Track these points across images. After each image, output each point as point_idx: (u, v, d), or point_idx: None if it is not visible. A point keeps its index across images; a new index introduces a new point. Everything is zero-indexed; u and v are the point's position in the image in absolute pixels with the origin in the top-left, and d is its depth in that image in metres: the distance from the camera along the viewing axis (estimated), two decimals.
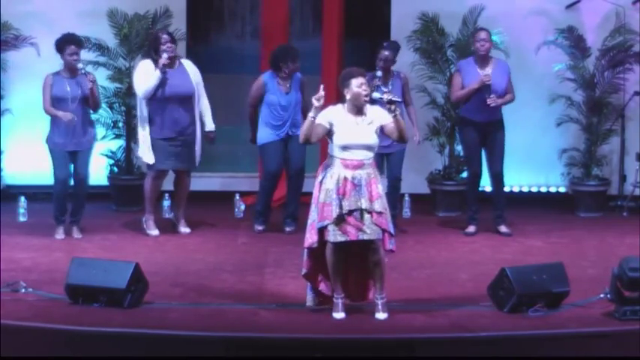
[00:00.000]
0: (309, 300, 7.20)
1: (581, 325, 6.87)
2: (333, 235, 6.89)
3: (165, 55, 9.21)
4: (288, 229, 9.60)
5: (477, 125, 9.45)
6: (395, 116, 6.91)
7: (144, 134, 9.35)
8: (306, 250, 7.06)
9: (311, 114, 6.89)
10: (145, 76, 9.24)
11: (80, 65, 9.09)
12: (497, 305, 7.19)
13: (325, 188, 6.93)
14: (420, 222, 10.19)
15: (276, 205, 10.26)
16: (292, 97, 9.40)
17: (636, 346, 6.62)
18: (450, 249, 9.14)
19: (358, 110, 6.97)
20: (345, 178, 6.90)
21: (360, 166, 6.92)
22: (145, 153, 9.40)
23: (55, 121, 9.14)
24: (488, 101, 9.22)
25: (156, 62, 9.22)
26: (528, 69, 10.16)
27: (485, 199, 9.87)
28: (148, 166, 9.52)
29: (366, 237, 6.90)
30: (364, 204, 6.86)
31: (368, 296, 7.20)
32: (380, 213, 6.90)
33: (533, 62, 10.57)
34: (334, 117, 6.97)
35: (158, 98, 9.25)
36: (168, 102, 9.27)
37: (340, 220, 6.87)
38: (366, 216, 6.88)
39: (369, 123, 6.96)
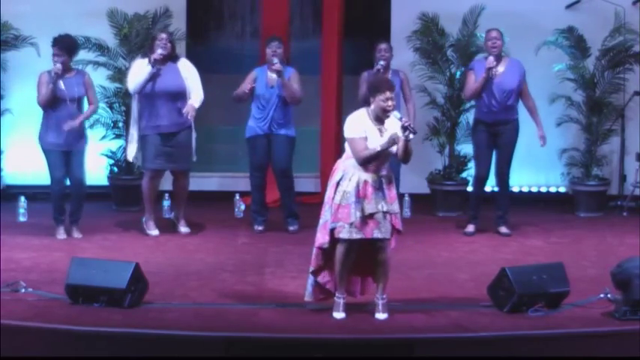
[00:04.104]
0: (308, 295, 7.19)
1: (581, 325, 6.87)
2: (349, 233, 6.91)
3: (159, 51, 9.23)
4: (290, 228, 9.60)
5: (488, 126, 9.47)
6: (406, 140, 6.90)
7: (132, 130, 9.43)
8: (315, 250, 7.07)
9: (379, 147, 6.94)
10: (136, 71, 9.30)
11: (58, 66, 9.00)
12: (497, 305, 7.19)
13: (342, 190, 6.95)
14: (420, 222, 10.18)
15: (275, 205, 10.26)
16: (274, 92, 9.41)
17: (636, 346, 6.62)
18: (450, 249, 9.14)
19: (379, 119, 6.99)
20: (366, 182, 6.94)
21: (379, 170, 6.96)
22: (128, 147, 9.53)
23: (46, 119, 9.14)
24: (541, 143, 9.42)
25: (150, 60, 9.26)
26: (528, 69, 10.14)
27: (488, 198, 9.89)
28: (142, 165, 9.57)
29: (380, 235, 6.95)
30: (384, 207, 6.94)
31: (366, 291, 7.22)
32: (396, 214, 7.02)
33: (533, 62, 10.56)
34: (364, 125, 6.99)
35: (147, 93, 9.29)
36: (156, 97, 9.28)
37: (361, 221, 6.92)
38: (386, 217, 6.95)
39: (387, 132, 6.97)
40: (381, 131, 6.97)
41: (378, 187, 6.94)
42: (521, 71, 9.47)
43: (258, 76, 9.50)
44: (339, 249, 6.98)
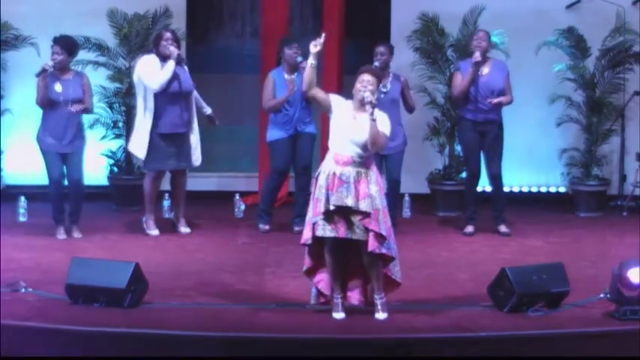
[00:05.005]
0: (312, 297, 7.17)
1: (581, 325, 6.87)
2: (322, 230, 6.87)
3: (171, 48, 9.18)
4: (296, 228, 9.49)
5: (475, 124, 9.45)
6: (372, 120, 6.82)
7: (144, 129, 9.29)
8: (306, 248, 7.06)
9: (309, 59, 6.86)
10: (154, 68, 9.21)
11: (50, 63, 9.00)
12: (497, 305, 7.18)
13: (319, 185, 6.95)
14: (420, 222, 10.19)
15: (277, 204, 10.25)
16: (297, 93, 9.39)
17: (636, 346, 6.62)
18: (450, 249, 9.14)
19: (361, 106, 6.95)
20: (334, 174, 6.89)
21: (349, 162, 6.89)
22: (139, 147, 9.35)
23: (45, 120, 9.13)
24: (488, 101, 9.23)
25: (160, 57, 9.20)
26: (528, 69, 10.17)
27: (485, 199, 9.89)
28: (147, 166, 9.50)
29: (355, 237, 6.88)
30: (350, 201, 6.82)
31: (366, 300, 7.18)
32: (367, 214, 6.84)
33: (534, 62, 10.58)
34: (339, 104, 6.97)
35: (168, 92, 9.22)
36: (175, 97, 9.25)
37: (330, 216, 6.87)
38: (356, 217, 6.87)
39: (365, 122, 6.90)
40: (355, 118, 6.92)
41: (346, 181, 6.86)
42: (506, 72, 9.45)
43: (276, 79, 9.45)
44: (325, 251, 6.98)
